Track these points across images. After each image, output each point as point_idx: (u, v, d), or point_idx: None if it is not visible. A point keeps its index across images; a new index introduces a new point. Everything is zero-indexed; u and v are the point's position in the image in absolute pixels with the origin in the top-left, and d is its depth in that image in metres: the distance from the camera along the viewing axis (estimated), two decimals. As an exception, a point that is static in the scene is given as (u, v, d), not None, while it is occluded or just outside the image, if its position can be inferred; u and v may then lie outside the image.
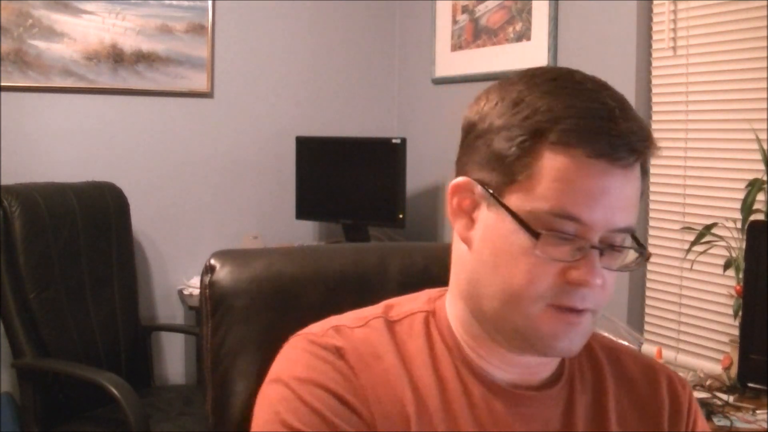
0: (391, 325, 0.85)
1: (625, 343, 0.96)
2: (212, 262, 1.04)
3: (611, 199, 0.74)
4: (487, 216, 0.78)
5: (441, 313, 0.86)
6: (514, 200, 0.76)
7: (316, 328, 0.84)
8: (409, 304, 0.88)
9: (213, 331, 1.01)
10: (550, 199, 0.74)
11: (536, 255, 0.74)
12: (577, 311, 0.76)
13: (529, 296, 0.75)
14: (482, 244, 0.79)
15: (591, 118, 0.74)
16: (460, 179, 0.81)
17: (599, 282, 0.75)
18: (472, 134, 0.81)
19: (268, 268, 1.04)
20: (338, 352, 0.80)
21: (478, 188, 0.79)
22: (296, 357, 0.81)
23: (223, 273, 1.03)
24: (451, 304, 0.86)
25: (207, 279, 1.03)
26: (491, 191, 0.77)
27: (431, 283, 0.95)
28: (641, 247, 0.80)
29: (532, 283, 0.75)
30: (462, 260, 0.83)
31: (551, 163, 0.74)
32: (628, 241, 0.79)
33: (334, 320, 0.85)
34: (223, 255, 1.05)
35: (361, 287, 1.04)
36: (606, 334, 1.56)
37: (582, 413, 0.84)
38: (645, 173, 0.79)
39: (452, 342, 0.84)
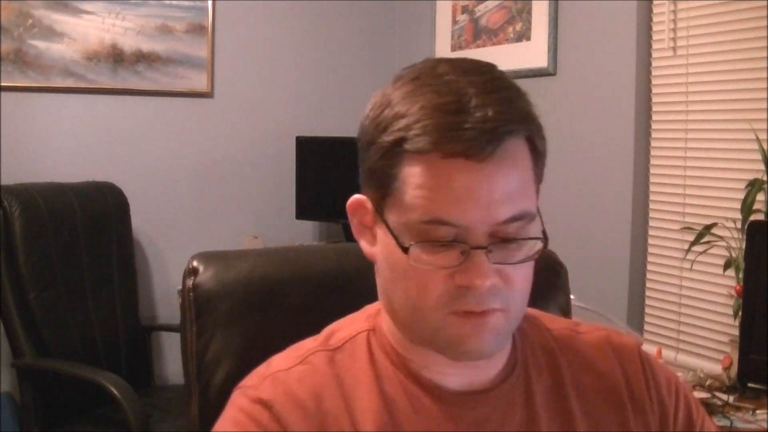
0: (332, 355, 0.82)
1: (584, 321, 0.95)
2: (194, 264, 1.01)
3: (481, 195, 0.71)
4: (379, 232, 0.78)
5: (381, 329, 0.84)
6: (390, 215, 0.75)
7: (252, 380, 0.82)
8: (350, 326, 0.86)
9: (197, 336, 0.98)
10: (417, 208, 0.72)
11: (422, 268, 0.73)
12: (479, 313, 0.74)
13: (428, 306, 0.74)
14: (381, 259, 0.79)
15: (441, 115, 0.71)
16: (355, 197, 0.81)
17: (488, 283, 0.72)
18: (358, 148, 0.80)
19: (253, 270, 1.01)
20: (266, 404, 0.77)
21: (369, 205, 0.79)
22: (228, 413, 0.80)
23: (207, 276, 0.99)
24: (383, 318, 0.84)
25: (190, 282, 0.99)
26: (375, 208, 0.77)
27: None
28: (544, 236, 0.76)
29: (425, 293, 0.74)
30: (377, 275, 0.82)
31: (411, 171, 0.72)
32: (535, 228, 0.76)
33: (274, 363, 0.83)
34: (206, 257, 1.02)
35: (344, 288, 1.02)
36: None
37: (542, 400, 0.83)
38: (537, 152, 0.75)
39: (395, 357, 0.82)
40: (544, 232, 0.76)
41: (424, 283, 0.74)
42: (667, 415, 0.87)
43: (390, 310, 0.82)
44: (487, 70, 0.77)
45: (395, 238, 0.74)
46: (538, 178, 0.77)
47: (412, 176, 0.72)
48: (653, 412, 0.87)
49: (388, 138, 0.73)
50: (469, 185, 0.70)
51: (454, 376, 0.81)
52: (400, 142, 0.72)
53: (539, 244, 0.75)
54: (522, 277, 0.76)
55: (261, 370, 0.83)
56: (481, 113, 0.70)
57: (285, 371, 0.81)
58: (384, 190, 0.75)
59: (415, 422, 0.79)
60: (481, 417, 0.80)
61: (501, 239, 0.73)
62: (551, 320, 0.92)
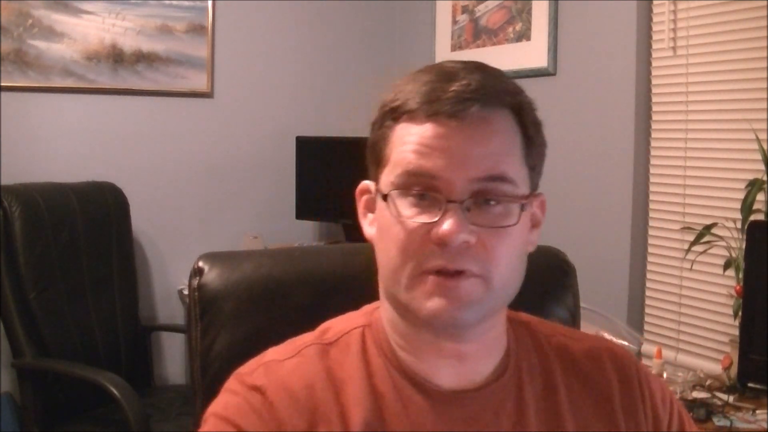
0: (325, 349, 0.84)
1: (592, 330, 0.94)
2: (200, 264, 1.02)
3: (458, 151, 0.75)
4: (377, 207, 0.83)
5: (377, 324, 0.86)
6: (382, 179, 0.81)
7: (247, 367, 0.84)
8: (346, 322, 0.88)
9: (202, 335, 1.00)
10: (402, 162, 0.77)
11: (401, 222, 0.76)
12: (451, 274, 0.75)
13: (404, 264, 0.76)
14: (377, 234, 0.82)
15: (431, 84, 0.77)
16: (363, 182, 0.87)
17: (461, 236, 0.73)
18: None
19: (257, 270, 1.03)
20: (259, 390, 0.80)
21: (372, 187, 0.85)
22: (222, 396, 0.82)
23: (211, 275, 1.01)
24: (382, 308, 0.86)
25: (195, 282, 1.01)
26: (374, 181, 0.83)
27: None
28: (523, 197, 0.78)
29: (403, 249, 0.76)
30: (376, 257, 0.84)
31: (399, 132, 0.79)
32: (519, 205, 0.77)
33: (269, 354, 0.85)
34: (211, 257, 1.03)
35: (349, 288, 1.02)
36: (606, 335, 1.54)
37: (533, 402, 0.84)
38: (525, 129, 0.79)
39: (389, 352, 0.84)
40: (528, 196, 0.79)
41: (404, 236, 0.76)
42: (660, 429, 0.88)
43: (383, 289, 0.84)
44: (486, 66, 0.82)
45: (380, 193, 0.80)
46: (529, 161, 0.80)
47: (399, 136, 0.79)
48: (646, 424, 0.87)
49: (386, 110, 0.81)
50: (448, 141, 0.75)
51: (446, 369, 0.82)
52: (394, 109, 0.80)
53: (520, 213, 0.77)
54: (505, 248, 0.77)
55: (256, 359, 0.85)
56: (465, 81, 0.77)
57: (278, 362, 0.83)
58: (379, 157, 0.81)
59: (403, 418, 0.80)
60: (471, 415, 0.81)
61: (483, 200, 0.76)
62: (546, 326, 0.93)
